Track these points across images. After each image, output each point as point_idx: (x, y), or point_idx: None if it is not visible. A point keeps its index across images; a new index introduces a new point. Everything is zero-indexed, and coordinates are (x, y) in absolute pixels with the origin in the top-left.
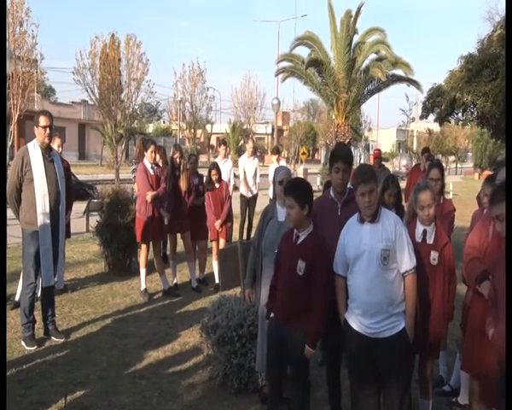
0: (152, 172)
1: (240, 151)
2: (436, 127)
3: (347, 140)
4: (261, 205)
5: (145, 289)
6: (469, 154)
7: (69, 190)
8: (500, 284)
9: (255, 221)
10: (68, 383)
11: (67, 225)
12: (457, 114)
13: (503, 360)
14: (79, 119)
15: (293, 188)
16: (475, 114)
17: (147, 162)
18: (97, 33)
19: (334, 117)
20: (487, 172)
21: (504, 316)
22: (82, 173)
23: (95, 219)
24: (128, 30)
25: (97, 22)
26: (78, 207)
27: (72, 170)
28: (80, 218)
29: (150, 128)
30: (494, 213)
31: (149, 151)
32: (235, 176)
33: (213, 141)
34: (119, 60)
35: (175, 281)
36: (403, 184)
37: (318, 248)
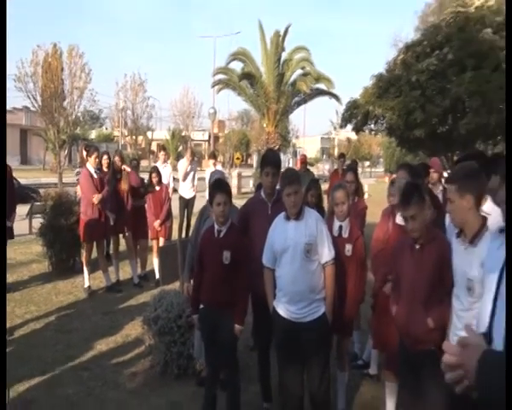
0: (96, 176)
1: (179, 157)
2: (354, 136)
3: (277, 146)
4: (198, 206)
5: (88, 286)
6: (381, 160)
7: (12, 193)
8: (401, 270)
9: (193, 221)
10: (11, 380)
11: (11, 228)
12: (370, 124)
13: (403, 333)
14: (21, 124)
15: (224, 186)
16: (384, 125)
17: (90, 167)
18: (39, 43)
19: (265, 125)
20: (392, 176)
21: (404, 297)
22: (24, 177)
23: (38, 222)
24: (71, 41)
25: (39, 31)
26: (21, 209)
27: (15, 174)
28: (23, 220)
29: (93, 134)
30: (409, 213)
31: (93, 157)
32: (175, 179)
33: (154, 147)
34: (62, 69)
35: (117, 278)
36: (326, 186)
37: (239, 238)
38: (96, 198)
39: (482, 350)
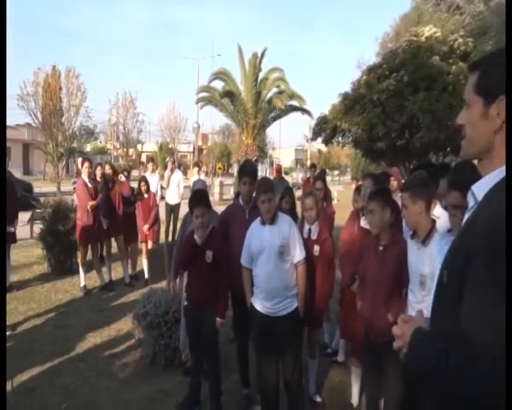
0: (90, 185)
1: (166, 167)
2: (325, 148)
3: (255, 157)
4: (183, 212)
5: (84, 286)
6: (348, 169)
7: (15, 202)
8: (365, 268)
9: (178, 225)
10: (14, 371)
11: (14, 233)
12: (338, 137)
13: (367, 324)
14: (23, 139)
15: (201, 199)
16: (350, 138)
17: (85, 177)
18: (40, 65)
19: (244, 138)
20: (358, 183)
21: (368, 293)
22: None
23: (38, 227)
24: (68, 63)
25: (39, 54)
26: (23, 216)
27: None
28: (25, 226)
29: (88, 147)
30: (369, 207)
31: (84, 166)
32: (162, 187)
33: (143, 158)
34: (60, 88)
35: (110, 278)
36: (300, 193)
37: (219, 240)
38: (90, 205)
39: (418, 326)
